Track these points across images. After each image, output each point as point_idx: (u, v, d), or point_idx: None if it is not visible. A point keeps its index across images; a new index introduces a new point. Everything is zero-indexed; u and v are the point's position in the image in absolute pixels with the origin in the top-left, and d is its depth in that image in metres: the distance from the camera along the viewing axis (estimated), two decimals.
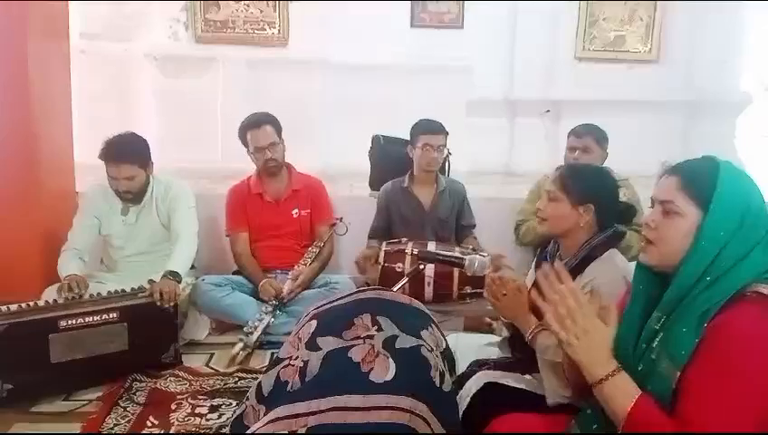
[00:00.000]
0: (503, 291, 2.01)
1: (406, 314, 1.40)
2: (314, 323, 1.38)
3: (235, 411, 2.27)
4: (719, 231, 1.30)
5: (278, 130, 3.47)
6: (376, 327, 1.32)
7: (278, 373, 1.32)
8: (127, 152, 3.09)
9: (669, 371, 1.27)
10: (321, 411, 1.18)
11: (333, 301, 1.45)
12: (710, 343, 1.23)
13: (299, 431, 1.16)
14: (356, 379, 1.23)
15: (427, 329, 1.39)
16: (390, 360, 1.26)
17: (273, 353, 2.98)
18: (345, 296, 1.45)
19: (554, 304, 1.41)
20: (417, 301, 1.50)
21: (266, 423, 1.20)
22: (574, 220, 2.03)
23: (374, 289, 1.49)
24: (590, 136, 3.38)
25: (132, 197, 3.17)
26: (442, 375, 1.33)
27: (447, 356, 1.43)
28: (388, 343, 1.29)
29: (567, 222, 2.04)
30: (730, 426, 1.19)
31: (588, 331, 1.38)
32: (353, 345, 1.29)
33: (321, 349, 1.30)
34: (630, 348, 1.40)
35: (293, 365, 1.30)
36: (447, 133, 3.60)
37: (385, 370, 1.24)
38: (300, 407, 1.20)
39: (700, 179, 1.34)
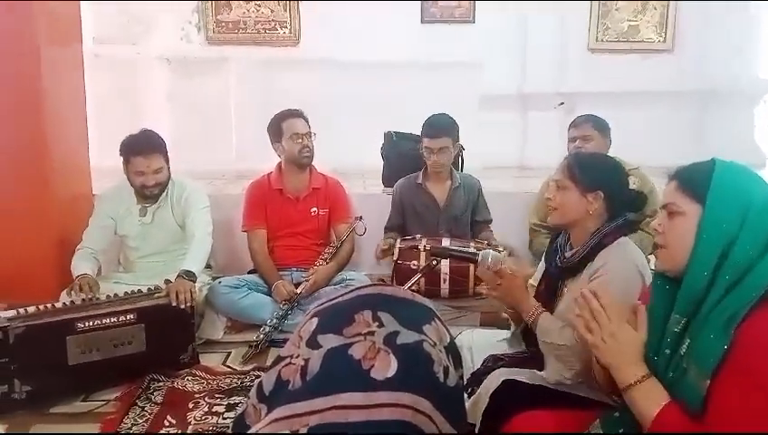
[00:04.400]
0: (497, 281, 2.05)
1: (407, 309, 1.39)
2: (315, 320, 1.37)
3: (236, 410, 2.28)
4: (720, 223, 1.30)
5: (309, 127, 3.53)
6: (377, 323, 1.31)
7: (279, 372, 1.32)
8: (155, 144, 3.19)
9: (698, 380, 1.25)
10: (322, 410, 1.17)
11: (335, 298, 1.44)
12: (737, 349, 1.21)
13: (300, 431, 1.15)
14: (357, 376, 1.22)
15: (430, 323, 1.38)
16: (392, 356, 1.25)
17: None
18: (346, 293, 1.44)
19: (579, 308, 1.45)
20: (419, 295, 1.48)
21: (268, 423, 1.19)
22: (584, 208, 2.01)
23: (375, 285, 1.49)
24: (589, 124, 3.37)
25: (158, 192, 3.22)
26: (446, 370, 1.31)
27: (452, 350, 1.41)
28: (390, 339, 1.28)
29: (577, 210, 2.02)
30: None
31: (614, 334, 1.40)
32: (354, 342, 1.27)
33: (321, 347, 1.29)
34: (656, 356, 1.40)
35: (294, 364, 1.29)
36: (453, 133, 3.55)
37: (386, 366, 1.23)
38: (301, 406, 1.19)
39: (697, 177, 1.37)
